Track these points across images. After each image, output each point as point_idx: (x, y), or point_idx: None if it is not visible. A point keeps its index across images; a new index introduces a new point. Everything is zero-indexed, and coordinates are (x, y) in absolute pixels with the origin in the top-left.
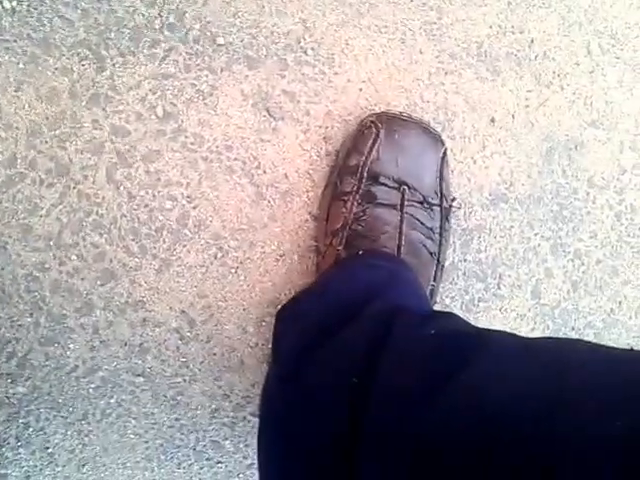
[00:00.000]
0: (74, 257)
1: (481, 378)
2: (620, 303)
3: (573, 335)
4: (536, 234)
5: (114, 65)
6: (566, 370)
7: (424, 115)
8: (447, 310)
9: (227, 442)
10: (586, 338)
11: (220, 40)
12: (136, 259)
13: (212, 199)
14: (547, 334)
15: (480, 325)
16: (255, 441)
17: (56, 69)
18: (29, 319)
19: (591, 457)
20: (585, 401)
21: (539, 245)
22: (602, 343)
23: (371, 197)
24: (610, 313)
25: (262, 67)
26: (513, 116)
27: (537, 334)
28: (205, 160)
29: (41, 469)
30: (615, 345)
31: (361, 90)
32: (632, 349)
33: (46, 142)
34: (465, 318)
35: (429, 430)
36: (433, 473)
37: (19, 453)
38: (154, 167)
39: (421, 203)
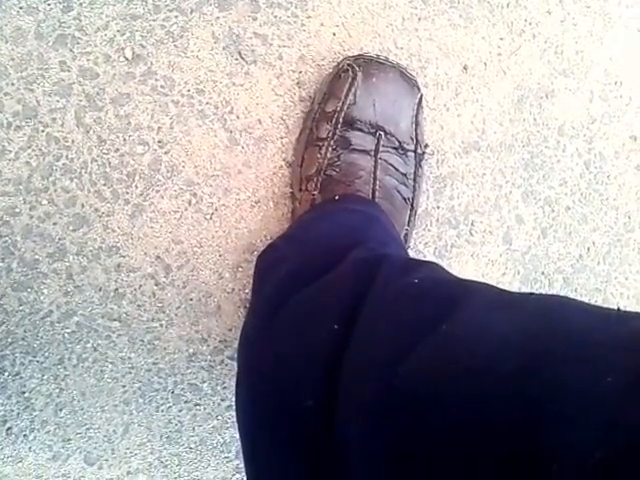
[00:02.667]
0: (45, 202)
1: (464, 330)
2: (589, 249)
3: (543, 280)
4: (507, 182)
5: (81, 5)
6: (553, 324)
7: (398, 62)
8: (421, 257)
9: (205, 385)
10: (555, 283)
11: None
12: (108, 204)
13: (184, 144)
14: (517, 279)
15: (453, 272)
16: (233, 383)
17: (21, 8)
18: (1, 264)
19: (578, 413)
20: (573, 356)
21: (510, 192)
22: (572, 287)
23: (346, 143)
24: (579, 259)
25: (233, 9)
26: (485, 64)
27: (508, 279)
28: (176, 104)
29: (18, 413)
30: (584, 290)
31: (334, 35)
32: (619, 309)
33: (12, 84)
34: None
35: (402, 385)
36: (407, 433)
37: None
38: (124, 111)
39: (396, 149)
